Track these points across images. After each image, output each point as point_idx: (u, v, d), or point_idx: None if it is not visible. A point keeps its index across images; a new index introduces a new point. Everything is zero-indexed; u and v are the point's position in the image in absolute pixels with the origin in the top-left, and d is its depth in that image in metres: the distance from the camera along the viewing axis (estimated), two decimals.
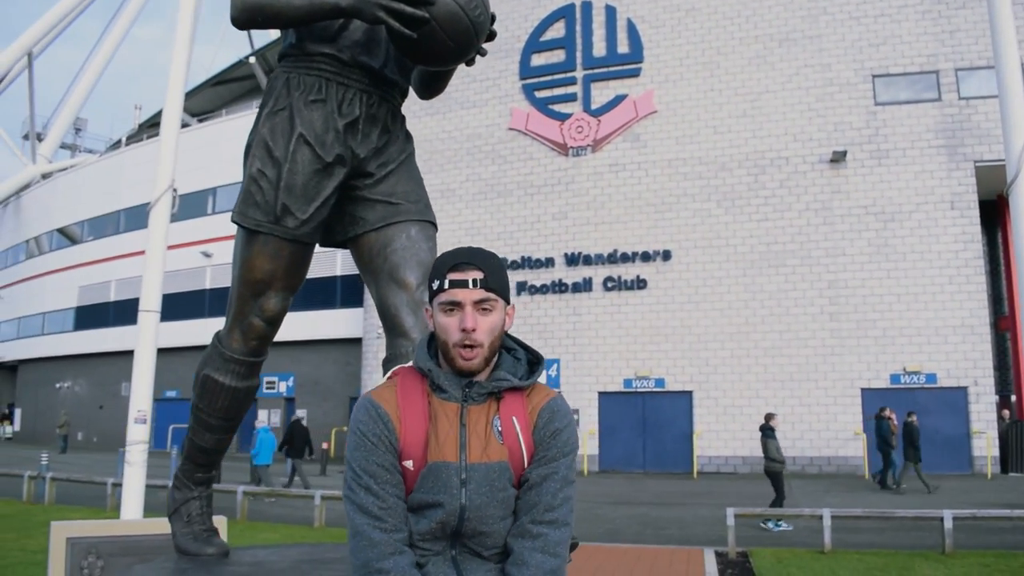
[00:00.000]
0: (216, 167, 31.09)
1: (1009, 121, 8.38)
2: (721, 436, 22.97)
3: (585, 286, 24.86)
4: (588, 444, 23.78)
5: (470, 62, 2.58)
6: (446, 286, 1.73)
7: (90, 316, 38.48)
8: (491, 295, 1.74)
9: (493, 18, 2.53)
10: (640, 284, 24.30)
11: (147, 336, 8.44)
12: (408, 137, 2.90)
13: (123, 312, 34.72)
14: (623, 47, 25.57)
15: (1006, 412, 22.79)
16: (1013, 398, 24.29)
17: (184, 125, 34.78)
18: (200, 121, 37.97)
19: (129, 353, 10.04)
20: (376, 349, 26.54)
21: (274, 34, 29.52)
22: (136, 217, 34.02)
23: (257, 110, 2.82)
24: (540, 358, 1.85)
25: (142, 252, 9.81)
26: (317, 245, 2.84)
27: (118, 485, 11.47)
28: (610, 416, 24.22)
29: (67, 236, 41.09)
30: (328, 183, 2.65)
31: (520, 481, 1.75)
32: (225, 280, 20.84)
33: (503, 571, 1.72)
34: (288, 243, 2.67)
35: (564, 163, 25.73)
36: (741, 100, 24.20)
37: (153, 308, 8.38)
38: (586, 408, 24.33)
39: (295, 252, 2.71)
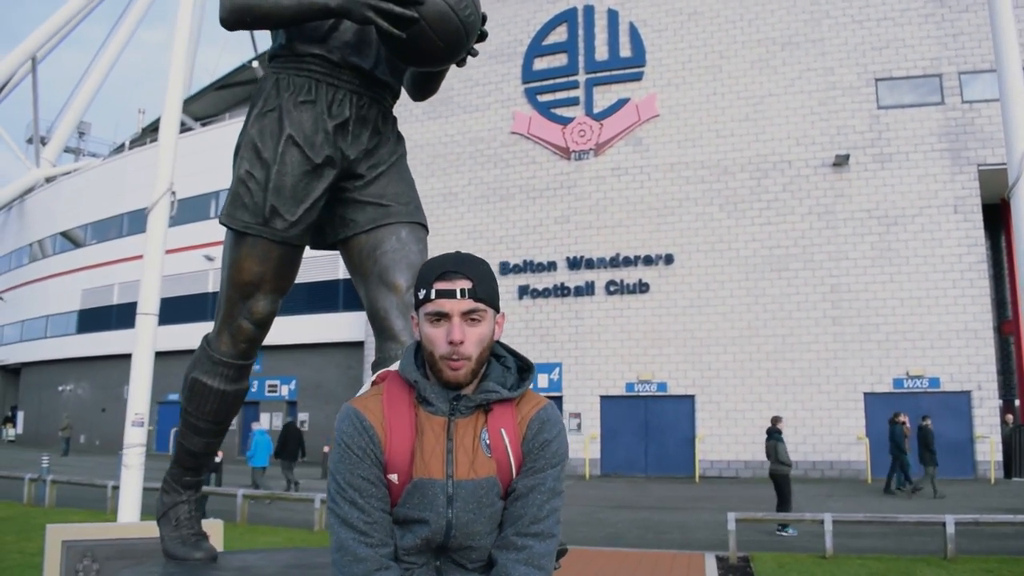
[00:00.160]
0: (219, 171, 31.07)
1: (1011, 125, 8.36)
2: (723, 440, 22.90)
3: (587, 290, 24.82)
4: (590, 448, 23.72)
5: (461, 63, 2.55)
6: (432, 296, 1.66)
7: (93, 319, 38.54)
8: (480, 305, 1.66)
9: (484, 18, 2.51)
10: (642, 288, 24.26)
11: (145, 339, 8.44)
12: (399, 139, 2.88)
13: (126, 315, 34.69)
14: (625, 51, 25.56)
15: (1009, 417, 22.68)
16: (1017, 403, 24.16)
17: (188, 129, 35.15)
18: (203, 125, 38.04)
19: (131, 356, 10.02)
20: None
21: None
22: (139, 221, 33.98)
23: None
24: (530, 366, 1.79)
25: None
26: (308, 248, 2.82)
27: (118, 488, 11.45)
28: (612, 420, 24.16)
29: (70, 239, 41.17)
30: (317, 185, 2.63)
31: (507, 491, 1.70)
32: None
33: None
34: (277, 245, 2.64)
35: (566, 167, 25.72)
36: (744, 104, 24.17)
37: (151, 311, 8.38)
38: (588, 412, 24.28)
39: (284, 254, 2.68)
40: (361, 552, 1.62)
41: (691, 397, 23.52)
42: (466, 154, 27.10)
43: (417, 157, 27.08)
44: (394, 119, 2.87)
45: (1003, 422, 21.86)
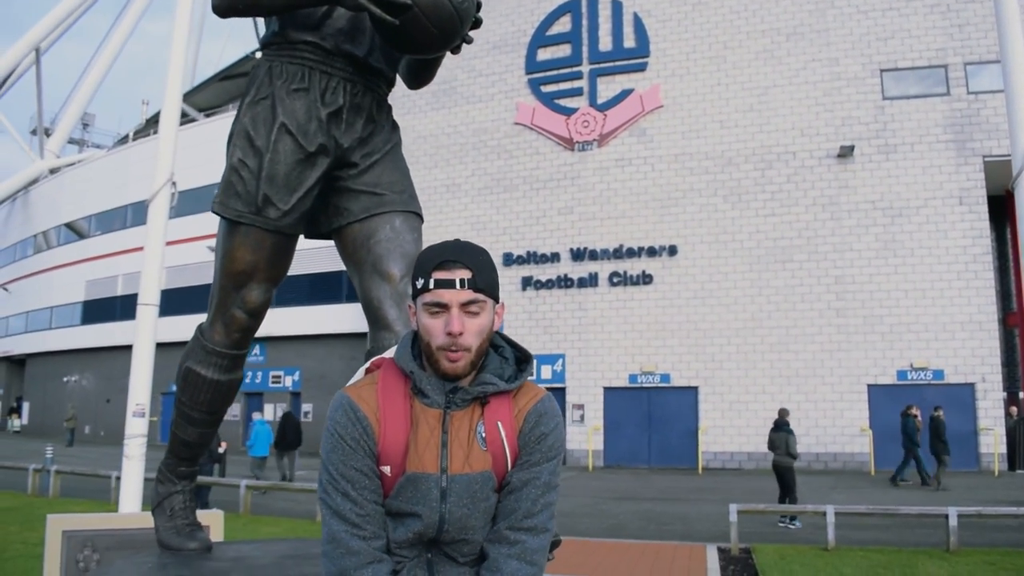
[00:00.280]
0: (222, 162, 30.51)
1: (1015, 116, 8.30)
2: (727, 432, 22.90)
3: (591, 281, 24.79)
4: (593, 439, 23.74)
5: (456, 50, 2.53)
6: (431, 286, 1.61)
7: (97, 310, 38.63)
8: (479, 296, 1.62)
9: (479, 5, 2.48)
10: (646, 279, 24.23)
11: (146, 329, 8.44)
12: (394, 127, 2.85)
13: (130, 306, 34.66)
14: (629, 41, 25.46)
15: (1013, 409, 22.61)
16: (1021, 395, 24.12)
17: (191, 120, 35.12)
18: (207, 116, 38.02)
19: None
20: None
21: None
22: (143, 212, 33.72)
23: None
24: (529, 357, 1.75)
25: None
26: (303, 237, 2.80)
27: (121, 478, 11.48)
28: (615, 411, 24.17)
29: (75, 231, 41.25)
30: (311, 173, 2.60)
31: (501, 485, 1.67)
32: None
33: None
34: (270, 234, 2.63)
35: (570, 158, 25.65)
36: (748, 95, 24.06)
37: (152, 302, 8.38)
38: (591, 403, 24.29)
39: (277, 243, 2.66)
40: (354, 545, 1.59)
41: (694, 389, 23.51)
42: (469, 145, 27.04)
43: (420, 148, 27.05)
44: (389, 107, 2.85)
45: (1007, 414, 21.82)
